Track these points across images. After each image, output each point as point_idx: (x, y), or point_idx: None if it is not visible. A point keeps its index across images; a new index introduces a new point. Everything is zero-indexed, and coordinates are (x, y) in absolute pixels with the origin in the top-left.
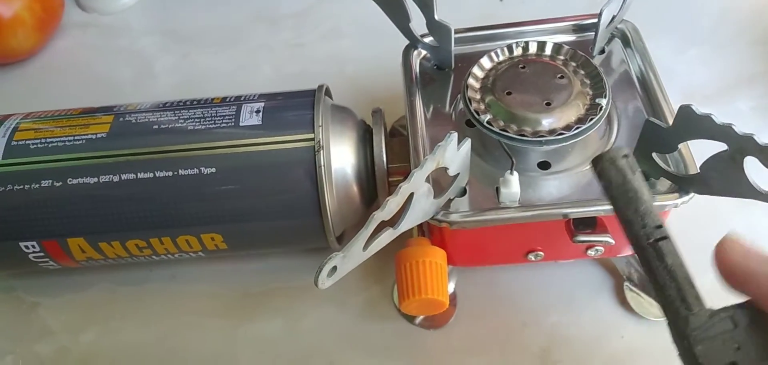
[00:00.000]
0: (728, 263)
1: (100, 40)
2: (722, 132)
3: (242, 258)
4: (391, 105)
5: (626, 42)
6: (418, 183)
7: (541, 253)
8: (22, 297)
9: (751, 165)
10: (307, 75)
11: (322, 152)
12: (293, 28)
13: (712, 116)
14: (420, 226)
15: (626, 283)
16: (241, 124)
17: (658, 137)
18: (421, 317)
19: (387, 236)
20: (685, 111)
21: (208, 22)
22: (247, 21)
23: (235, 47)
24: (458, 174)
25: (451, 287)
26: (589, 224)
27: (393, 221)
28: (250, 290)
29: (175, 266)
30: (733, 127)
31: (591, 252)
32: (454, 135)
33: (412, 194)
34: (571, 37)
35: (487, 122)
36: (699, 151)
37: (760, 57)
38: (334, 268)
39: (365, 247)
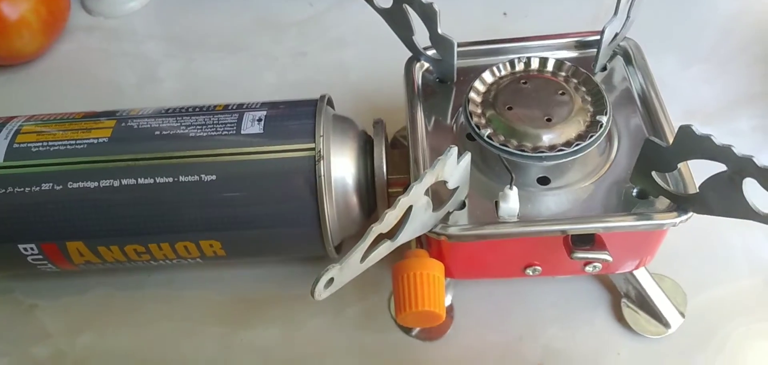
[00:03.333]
0: None
1: (105, 44)
2: (721, 153)
3: (240, 265)
4: (393, 115)
5: (628, 60)
6: (416, 196)
7: (539, 268)
8: (20, 299)
9: (750, 186)
10: (310, 83)
11: (322, 162)
12: (297, 36)
13: (712, 137)
14: (418, 238)
15: (624, 300)
16: (242, 132)
17: (657, 156)
18: (418, 328)
19: (385, 249)
20: (685, 131)
21: (213, 28)
22: (251, 28)
23: (239, 54)
24: (458, 187)
25: (448, 299)
26: (588, 240)
27: (391, 234)
28: (247, 297)
29: (172, 271)
30: (733, 148)
31: (589, 269)
32: (454, 149)
33: (410, 207)
34: (573, 54)
35: (488, 137)
36: (699, 170)
37: (763, 76)
38: (331, 280)
39: (363, 259)
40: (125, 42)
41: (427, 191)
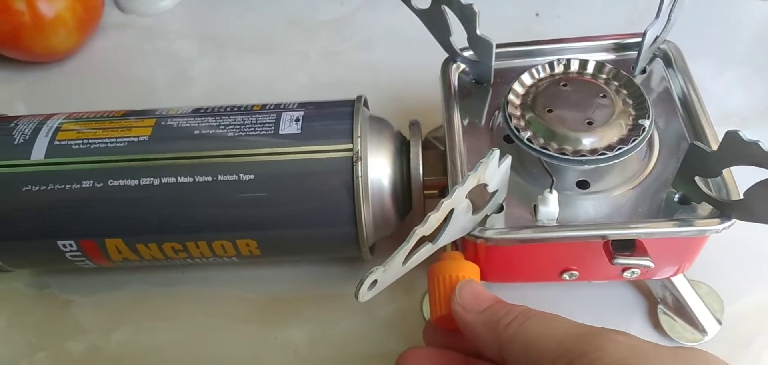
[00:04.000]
0: (454, 312)
1: (138, 42)
2: None
3: (273, 264)
4: (423, 116)
5: (668, 62)
6: (458, 199)
7: (576, 273)
8: (56, 295)
9: None
10: (341, 84)
11: (359, 163)
12: (329, 36)
13: (760, 143)
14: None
15: (660, 306)
16: (280, 132)
17: (702, 162)
18: None
19: (426, 251)
20: (732, 136)
21: (245, 28)
22: (283, 27)
23: (271, 53)
24: (497, 191)
25: None
26: (628, 246)
27: (432, 237)
28: (280, 296)
29: (206, 269)
30: None
31: (627, 274)
32: (496, 152)
33: (452, 210)
34: (611, 56)
35: (528, 139)
36: (740, 176)
37: None
38: (375, 281)
39: (405, 261)
40: (158, 40)
41: (467, 194)
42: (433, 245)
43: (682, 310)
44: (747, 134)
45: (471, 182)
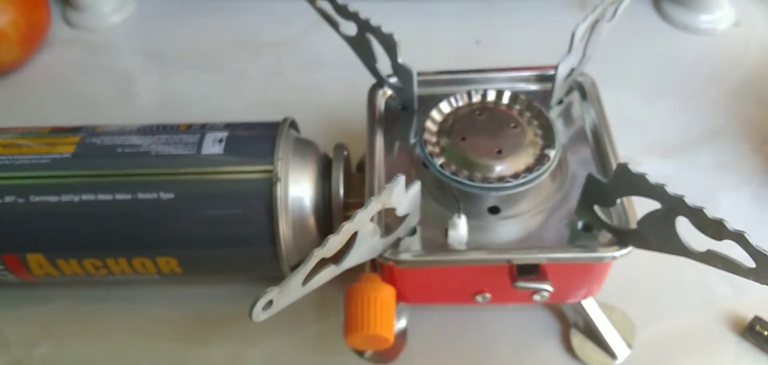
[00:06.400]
0: None
1: (84, 57)
2: (655, 191)
3: (201, 283)
4: (361, 138)
5: (583, 95)
6: (361, 223)
7: (488, 295)
8: None
9: (684, 225)
10: (283, 104)
11: (279, 184)
12: (274, 55)
13: (646, 176)
14: (372, 262)
15: (572, 329)
16: (202, 152)
17: (598, 191)
18: (371, 351)
19: (329, 273)
20: (622, 169)
21: (192, 45)
22: (230, 46)
23: (216, 71)
24: (408, 215)
25: (402, 323)
26: (532, 270)
27: (336, 259)
28: (206, 315)
29: (133, 287)
30: (665, 187)
31: (536, 298)
32: (402, 178)
33: (356, 233)
34: (534, 86)
35: (440, 166)
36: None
37: (724, 112)
38: (271, 302)
39: (305, 282)
40: (104, 56)
41: (374, 217)
42: (338, 267)
43: (592, 334)
44: (635, 167)
45: (374, 207)
